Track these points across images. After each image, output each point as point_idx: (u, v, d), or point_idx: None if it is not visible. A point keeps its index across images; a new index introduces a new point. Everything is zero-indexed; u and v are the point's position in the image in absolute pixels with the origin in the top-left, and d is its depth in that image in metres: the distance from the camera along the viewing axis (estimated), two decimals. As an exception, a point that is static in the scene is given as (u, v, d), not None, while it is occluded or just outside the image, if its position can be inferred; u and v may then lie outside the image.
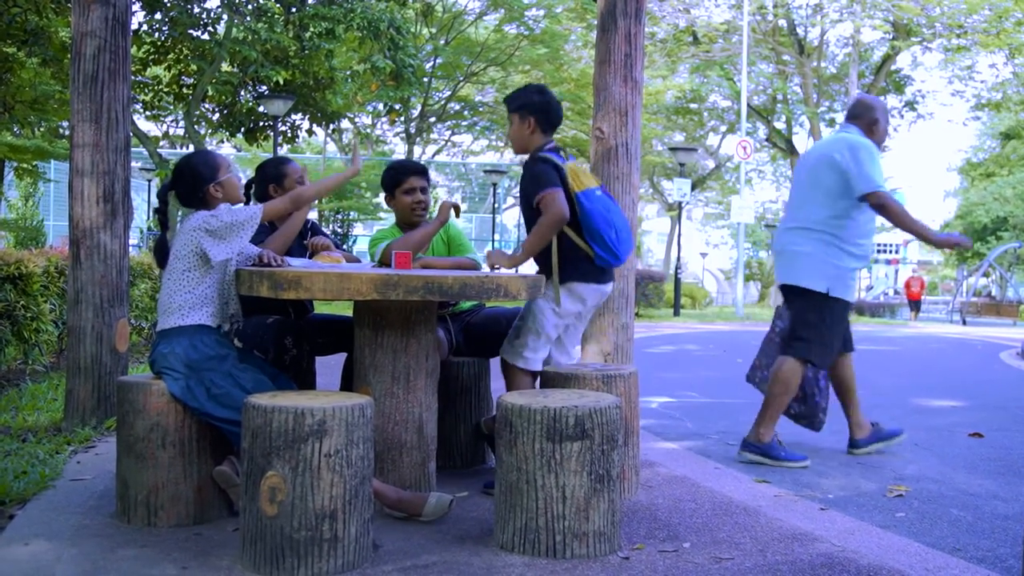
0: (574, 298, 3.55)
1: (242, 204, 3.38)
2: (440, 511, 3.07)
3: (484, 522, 3.09)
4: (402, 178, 3.88)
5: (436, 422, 3.43)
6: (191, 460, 3.05)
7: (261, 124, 15.88)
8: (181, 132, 24.06)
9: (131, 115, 5.66)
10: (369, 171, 26.54)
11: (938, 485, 4.04)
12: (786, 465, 4.32)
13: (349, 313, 3.54)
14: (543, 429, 2.73)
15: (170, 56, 14.64)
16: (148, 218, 24.15)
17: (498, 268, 3.58)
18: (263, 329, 3.43)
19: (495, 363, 4.14)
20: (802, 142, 33.34)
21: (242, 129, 15.91)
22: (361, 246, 25.74)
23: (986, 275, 32.49)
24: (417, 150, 28.85)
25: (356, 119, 26.87)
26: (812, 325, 4.40)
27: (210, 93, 15.01)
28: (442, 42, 25.73)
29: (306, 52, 14.17)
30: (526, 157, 3.60)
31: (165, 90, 15.48)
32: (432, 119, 28.07)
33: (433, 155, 32.88)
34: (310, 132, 17.31)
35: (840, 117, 30.29)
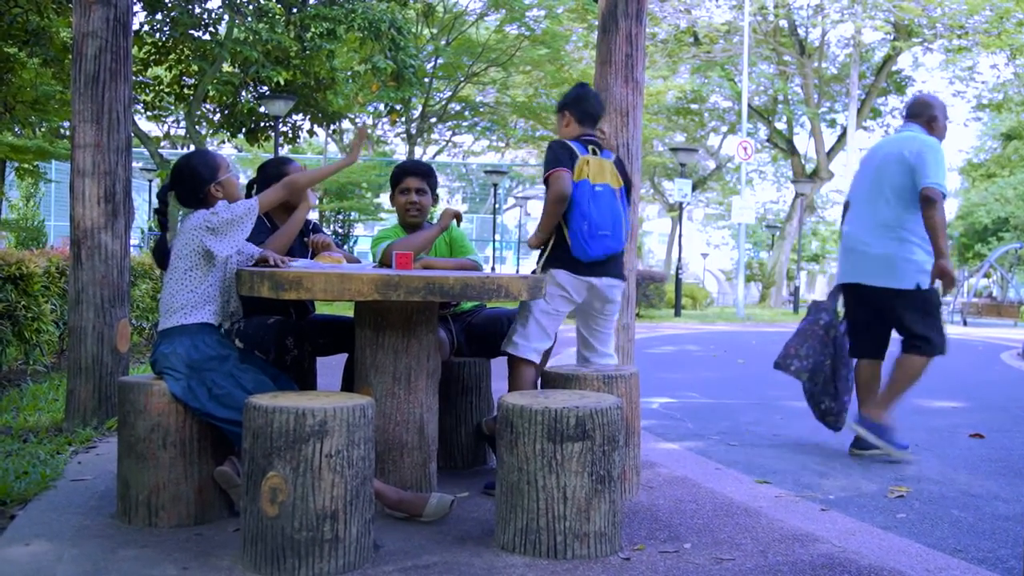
0: (554, 285, 3.61)
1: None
2: (441, 512, 3.07)
3: (485, 523, 3.09)
4: (400, 178, 3.94)
5: (437, 423, 3.43)
6: (192, 460, 3.05)
7: (262, 124, 15.89)
8: (182, 132, 24.07)
9: (132, 115, 5.66)
10: (369, 171, 26.54)
11: (939, 486, 4.04)
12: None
13: (350, 314, 3.54)
14: (544, 430, 2.73)
15: (171, 56, 14.64)
16: (149, 218, 24.18)
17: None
18: (264, 330, 3.43)
19: (496, 363, 4.15)
20: (803, 143, 33.36)
21: (243, 129, 15.92)
22: (362, 246, 25.76)
23: (987, 276, 32.46)
24: (418, 151, 28.86)
25: (357, 119, 26.88)
26: (922, 320, 4.54)
27: (211, 93, 15.02)
28: (443, 43, 25.74)
29: (307, 52, 14.18)
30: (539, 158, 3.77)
31: (166, 90, 15.49)
32: (433, 120, 28.08)
33: (434, 155, 32.89)
34: (311, 133, 17.32)
35: (841, 118, 30.34)
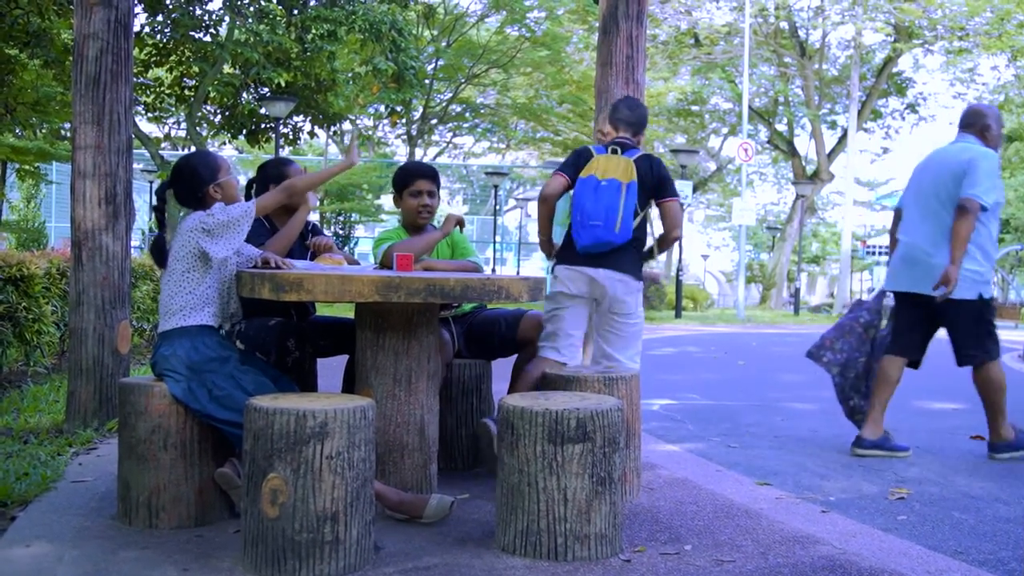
0: (555, 281, 3.94)
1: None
2: (441, 513, 3.07)
3: (485, 524, 3.09)
4: (410, 180, 3.88)
5: (438, 424, 3.43)
6: (192, 462, 3.05)
7: (263, 126, 15.88)
8: (183, 134, 24.07)
9: (133, 117, 5.66)
10: (370, 172, 26.53)
11: (940, 488, 4.03)
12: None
13: (351, 315, 3.54)
14: (545, 431, 2.73)
15: (172, 58, 14.64)
16: (150, 219, 24.18)
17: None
18: (265, 331, 3.43)
19: (496, 365, 4.15)
20: (803, 144, 33.36)
21: (244, 131, 15.91)
22: (362, 248, 25.74)
23: (987, 277, 32.44)
24: (419, 152, 28.86)
25: (357, 121, 26.88)
26: (975, 330, 4.63)
27: (212, 95, 15.02)
28: (444, 44, 25.75)
29: (308, 54, 14.18)
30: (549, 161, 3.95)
31: (167, 92, 15.48)
32: (434, 121, 28.08)
33: (434, 157, 32.89)
34: (312, 134, 17.29)
35: (841, 119, 30.33)
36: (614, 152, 3.92)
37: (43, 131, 18.28)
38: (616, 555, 2.78)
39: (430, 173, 3.95)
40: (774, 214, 42.74)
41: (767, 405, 6.69)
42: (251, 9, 14.22)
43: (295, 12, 14.31)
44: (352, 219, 25.54)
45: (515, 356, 4.01)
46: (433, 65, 25.44)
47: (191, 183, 3.21)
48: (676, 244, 4.17)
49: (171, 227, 3.27)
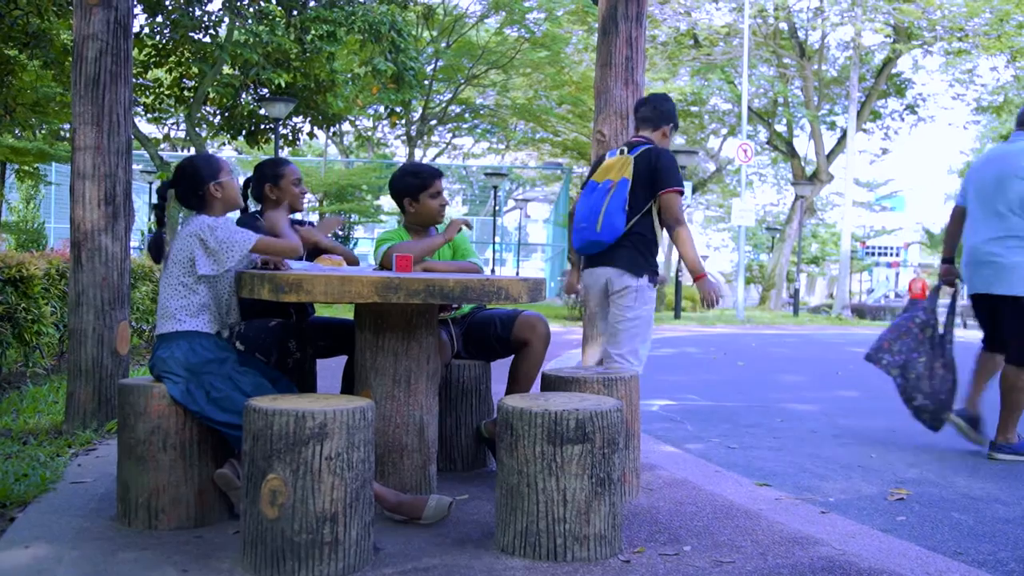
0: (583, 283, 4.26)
1: (240, 208, 3.41)
2: (440, 514, 3.07)
3: (485, 525, 3.09)
4: (429, 181, 3.86)
5: (437, 425, 3.43)
6: (192, 463, 3.05)
7: (262, 127, 15.87)
8: (182, 135, 24.07)
9: (132, 118, 5.66)
10: (369, 173, 26.52)
11: (939, 488, 4.04)
12: None
13: (350, 316, 3.54)
14: (544, 432, 2.73)
15: (171, 59, 14.63)
16: (149, 220, 24.16)
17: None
18: (265, 332, 3.43)
19: (496, 366, 4.15)
20: (803, 145, 33.36)
21: (243, 132, 15.90)
22: (361, 249, 25.72)
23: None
24: (418, 153, 28.85)
25: (357, 122, 26.88)
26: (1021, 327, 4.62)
27: (211, 96, 15.01)
28: (443, 45, 25.74)
29: (307, 55, 14.17)
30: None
31: (166, 92, 15.47)
32: (433, 122, 28.07)
33: (434, 158, 32.87)
34: (311, 135, 17.26)
35: (841, 120, 30.33)
36: (622, 152, 4.05)
37: (42, 132, 18.28)
38: (615, 556, 2.79)
39: (441, 173, 3.98)
40: (773, 215, 42.75)
41: (766, 406, 6.69)
42: (251, 10, 14.22)
43: (294, 13, 14.30)
44: (352, 220, 25.53)
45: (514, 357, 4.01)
46: (433, 66, 25.43)
47: (193, 181, 3.22)
48: (686, 241, 3.99)
49: (171, 227, 3.27)
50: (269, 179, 3.72)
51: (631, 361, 4.04)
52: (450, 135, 32.61)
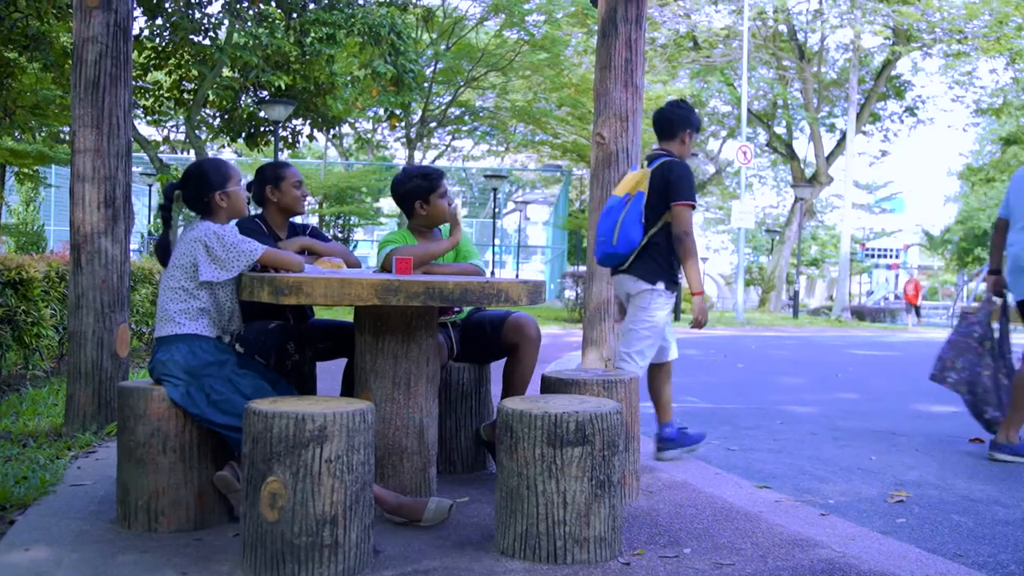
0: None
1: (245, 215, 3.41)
2: (440, 516, 3.07)
3: (484, 527, 3.09)
4: (438, 183, 3.86)
5: (437, 427, 3.43)
6: (192, 465, 3.05)
7: (262, 129, 15.88)
8: (182, 137, 24.07)
9: (132, 120, 5.66)
10: (369, 175, 26.52)
11: (939, 491, 4.03)
12: None
13: (350, 318, 3.54)
14: (544, 434, 2.73)
15: (171, 61, 14.65)
16: (149, 223, 24.16)
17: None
18: (265, 335, 3.43)
19: (496, 367, 4.14)
20: (802, 147, 33.38)
21: (243, 134, 15.91)
22: (361, 251, 25.72)
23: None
24: (418, 155, 28.85)
25: (356, 124, 26.88)
26: None
27: (211, 98, 15.03)
28: (443, 47, 25.75)
29: (307, 57, 14.18)
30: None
31: (166, 95, 15.48)
32: (433, 124, 28.07)
33: (433, 160, 32.86)
34: (311, 137, 17.27)
35: (840, 122, 30.35)
36: (643, 166, 4.20)
37: (42, 134, 18.28)
38: (615, 558, 2.78)
39: (444, 173, 3.99)
40: (773, 217, 42.76)
41: (766, 408, 6.69)
42: (250, 12, 14.23)
43: (294, 15, 14.31)
44: (351, 222, 25.52)
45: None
46: (432, 68, 25.43)
47: (199, 187, 3.22)
48: (690, 255, 4.15)
49: (175, 228, 3.28)
50: (270, 182, 3.72)
51: (634, 359, 4.18)
52: (450, 137, 32.62)
